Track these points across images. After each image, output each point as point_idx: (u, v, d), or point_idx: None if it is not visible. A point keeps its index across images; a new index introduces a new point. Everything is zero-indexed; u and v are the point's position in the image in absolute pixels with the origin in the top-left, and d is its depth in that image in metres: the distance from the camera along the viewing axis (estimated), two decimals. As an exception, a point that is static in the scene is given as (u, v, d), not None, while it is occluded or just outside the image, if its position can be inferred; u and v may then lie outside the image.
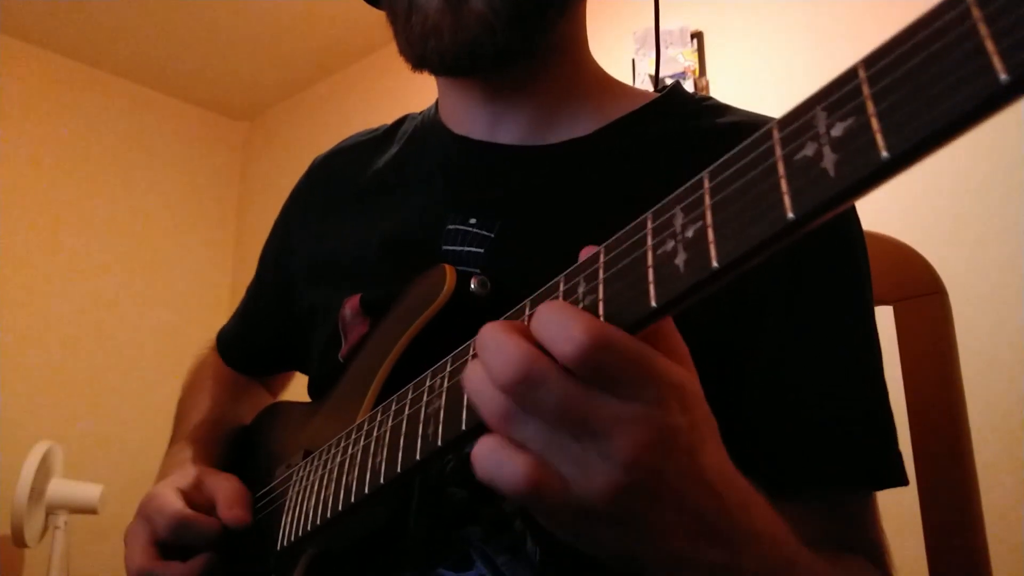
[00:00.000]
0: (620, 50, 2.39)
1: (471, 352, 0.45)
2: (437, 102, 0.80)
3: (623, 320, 0.36)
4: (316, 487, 0.60)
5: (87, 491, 2.51)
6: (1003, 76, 0.24)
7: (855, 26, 2.04)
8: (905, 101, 0.27)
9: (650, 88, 0.80)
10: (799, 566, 0.44)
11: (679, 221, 0.34)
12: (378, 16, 0.75)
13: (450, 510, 0.61)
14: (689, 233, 0.34)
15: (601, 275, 0.38)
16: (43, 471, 2.46)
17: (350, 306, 0.70)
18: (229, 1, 3.05)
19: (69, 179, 3.25)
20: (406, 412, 0.49)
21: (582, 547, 0.40)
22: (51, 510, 2.51)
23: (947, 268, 0.89)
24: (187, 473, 0.71)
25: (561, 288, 0.40)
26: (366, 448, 0.53)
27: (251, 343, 0.94)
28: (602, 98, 0.73)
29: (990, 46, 0.25)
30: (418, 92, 0.72)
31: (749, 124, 0.66)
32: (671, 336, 0.40)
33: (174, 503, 0.66)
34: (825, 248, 0.63)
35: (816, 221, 0.30)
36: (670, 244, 0.34)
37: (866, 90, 0.28)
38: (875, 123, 0.27)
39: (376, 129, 0.87)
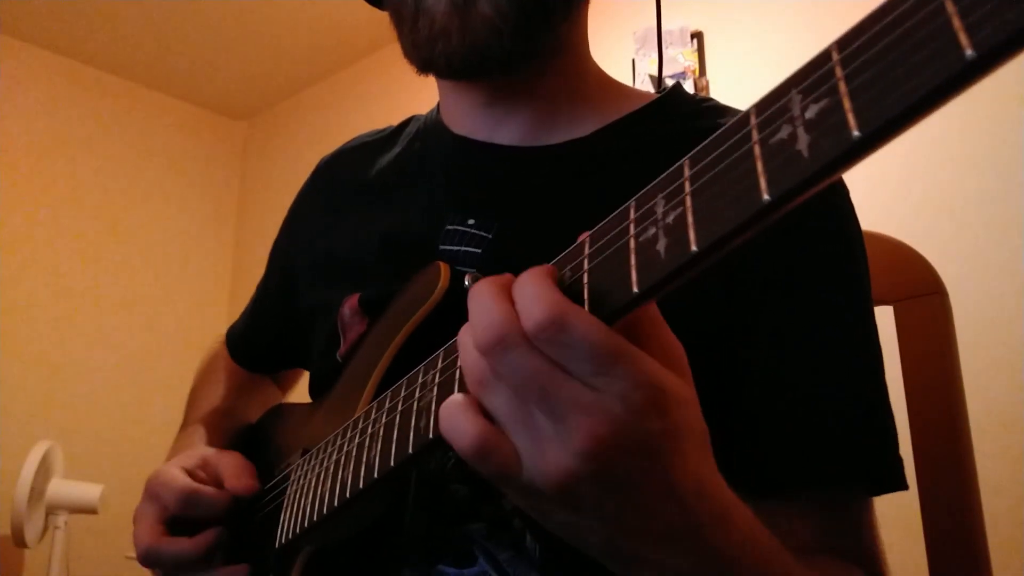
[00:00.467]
0: (620, 50, 2.39)
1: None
2: (439, 103, 0.81)
3: (607, 306, 0.36)
4: (313, 484, 0.60)
5: (87, 491, 2.51)
6: (969, 52, 0.25)
7: (855, 26, 2.03)
8: (876, 80, 0.27)
9: (651, 88, 0.80)
10: None
11: (660, 208, 0.35)
12: (378, 16, 0.75)
13: (451, 507, 0.61)
14: (670, 219, 0.34)
15: (586, 263, 0.38)
16: (43, 471, 2.47)
17: (349, 305, 0.70)
18: (229, 1, 3.05)
19: (69, 179, 3.25)
20: (399, 407, 0.50)
21: (540, 522, 0.41)
22: (51, 510, 2.51)
23: (947, 268, 0.89)
24: (192, 453, 0.72)
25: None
26: (361, 444, 0.54)
27: (257, 342, 0.95)
28: (602, 99, 0.74)
29: (956, 22, 0.25)
30: (418, 93, 0.72)
31: None
32: (662, 336, 0.39)
33: (181, 477, 0.67)
34: (824, 247, 0.63)
35: (792, 202, 0.30)
36: (651, 231, 0.35)
37: (839, 71, 0.28)
38: (847, 103, 0.28)
39: (382, 130, 0.87)
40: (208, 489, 0.67)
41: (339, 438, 0.59)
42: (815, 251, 0.63)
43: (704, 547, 0.40)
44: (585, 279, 0.38)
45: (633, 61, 2.36)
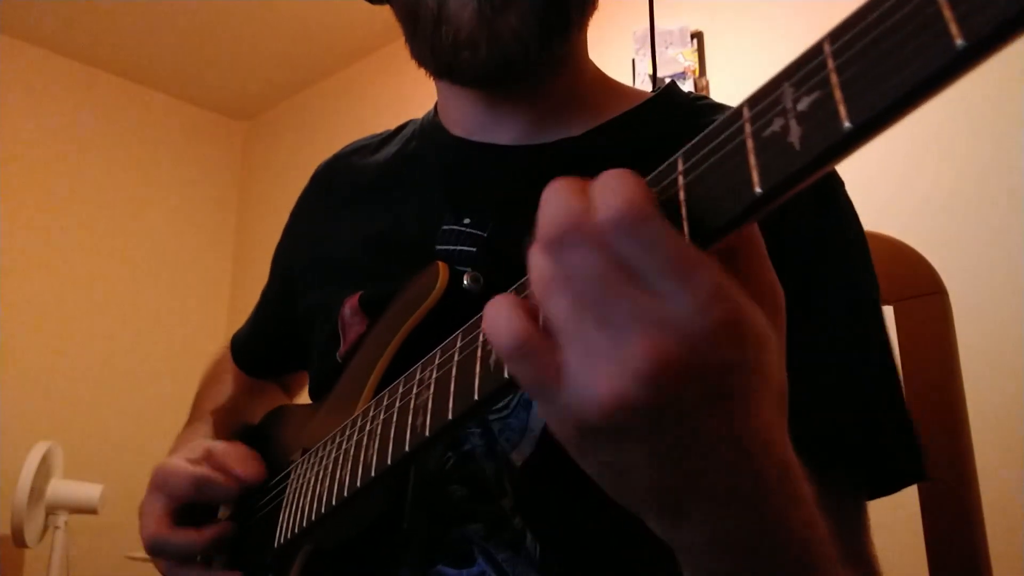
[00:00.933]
0: (620, 50, 2.39)
1: (457, 345, 0.45)
2: (436, 105, 0.81)
3: None
4: (312, 483, 0.60)
5: (87, 491, 2.51)
6: (959, 41, 0.24)
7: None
8: (867, 71, 0.27)
9: (650, 88, 0.81)
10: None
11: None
12: (378, 17, 0.75)
13: (450, 507, 0.61)
14: (665, 213, 0.34)
15: None
16: (43, 471, 2.47)
17: (349, 305, 0.71)
18: (229, 1, 3.05)
19: (69, 179, 3.25)
20: (396, 405, 0.50)
21: (578, 460, 0.36)
22: (51, 510, 2.51)
23: (947, 268, 0.89)
24: (195, 446, 0.73)
25: None
26: (359, 443, 0.54)
27: (260, 347, 0.96)
28: (599, 98, 0.74)
29: (947, 12, 0.25)
30: (418, 92, 0.73)
31: None
32: (760, 273, 0.34)
33: (187, 466, 0.68)
34: (828, 249, 0.63)
35: (785, 195, 0.30)
36: None
37: (830, 63, 0.28)
38: (838, 94, 0.28)
39: (379, 134, 0.88)
40: (217, 475, 0.68)
41: (338, 437, 0.59)
42: (817, 251, 0.63)
43: (765, 515, 0.35)
44: None
45: (633, 61, 2.36)
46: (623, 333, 0.31)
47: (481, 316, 0.43)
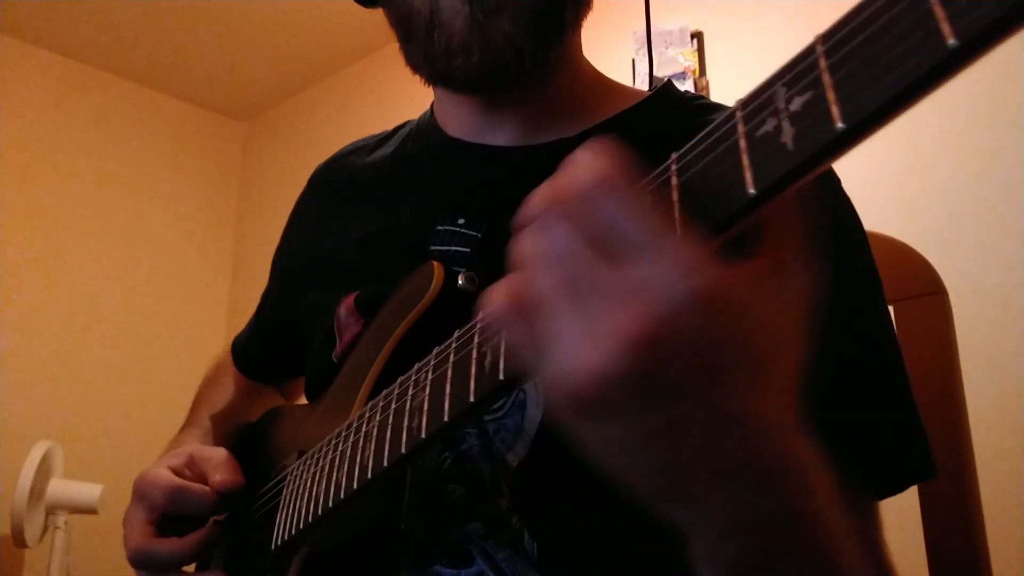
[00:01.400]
0: (620, 50, 2.39)
1: (452, 347, 0.45)
2: (433, 105, 0.81)
3: None
4: (309, 485, 0.60)
5: (87, 491, 2.51)
6: (951, 41, 0.24)
7: (855, 26, 2.03)
8: (859, 72, 0.27)
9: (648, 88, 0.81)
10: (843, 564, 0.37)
11: (648, 203, 0.34)
12: (378, 17, 0.75)
13: (448, 507, 0.61)
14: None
15: None
16: (43, 471, 2.46)
17: (345, 306, 0.71)
18: (229, 1, 3.05)
19: (69, 179, 3.25)
20: (392, 407, 0.50)
21: (580, 445, 0.35)
22: (51, 510, 2.51)
23: (947, 268, 0.89)
24: (178, 452, 0.72)
25: None
26: (355, 444, 0.54)
27: (260, 351, 0.96)
28: (595, 98, 0.74)
29: (939, 12, 0.25)
30: (418, 92, 0.73)
31: None
32: (785, 250, 0.33)
33: (167, 475, 0.68)
34: (837, 250, 0.63)
35: (778, 195, 0.30)
36: None
37: (822, 63, 0.28)
38: (830, 95, 0.28)
39: (376, 135, 0.88)
40: (194, 485, 0.67)
41: (334, 439, 0.59)
42: (823, 250, 0.63)
43: (770, 501, 0.34)
44: None
45: (633, 61, 2.36)
46: (600, 305, 0.31)
47: (477, 319, 0.43)
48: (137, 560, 0.68)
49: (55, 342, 3.08)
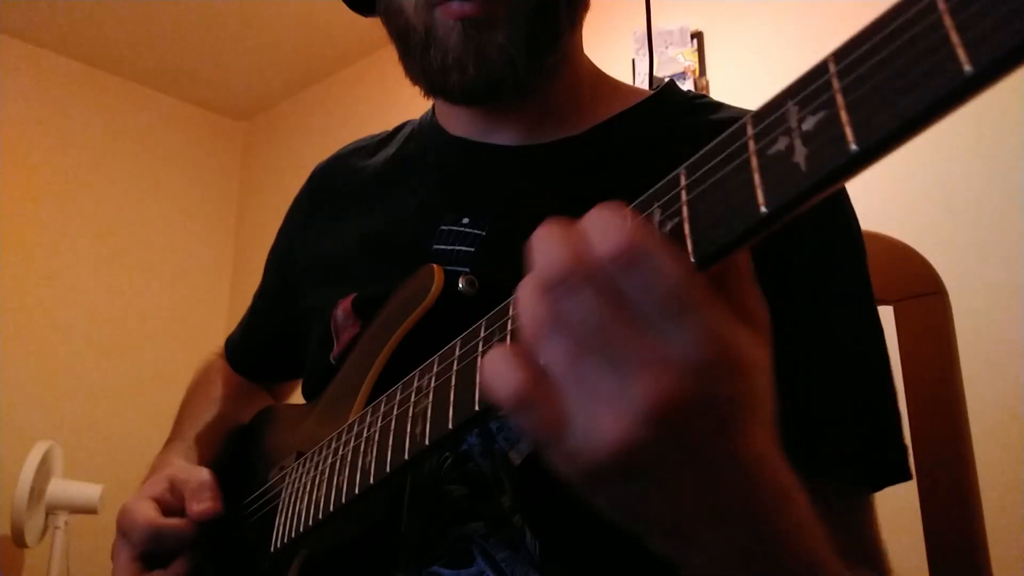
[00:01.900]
0: (620, 50, 2.39)
1: (456, 353, 0.45)
2: (434, 106, 0.81)
3: None
4: (308, 488, 0.60)
5: (87, 491, 2.51)
6: (967, 68, 0.24)
7: (855, 26, 2.03)
8: (873, 94, 0.27)
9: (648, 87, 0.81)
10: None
11: (657, 217, 0.34)
12: (378, 18, 0.75)
13: (448, 507, 0.61)
14: (667, 229, 0.34)
15: None
16: (43, 471, 2.46)
17: (342, 307, 0.71)
18: (229, 1, 3.05)
19: (69, 179, 3.25)
20: (394, 412, 0.50)
21: (587, 496, 0.36)
22: (51, 510, 2.51)
23: (947, 268, 0.89)
24: (159, 479, 0.72)
25: None
26: (356, 449, 0.53)
27: (257, 349, 0.95)
28: (596, 97, 0.74)
29: (955, 37, 0.25)
30: (419, 93, 0.73)
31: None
32: (747, 293, 0.35)
33: (145, 514, 0.67)
34: (826, 244, 0.64)
35: (789, 215, 0.30)
36: None
37: (836, 84, 0.28)
38: (844, 116, 0.28)
39: (376, 135, 0.88)
40: (171, 522, 0.67)
41: (334, 442, 0.59)
42: (819, 246, 0.63)
43: (763, 528, 0.37)
44: None
45: (633, 61, 2.36)
46: (625, 374, 0.31)
47: (479, 323, 0.43)
48: None
49: (55, 342, 3.08)
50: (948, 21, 0.25)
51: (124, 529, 0.69)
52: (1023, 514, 1.58)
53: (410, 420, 0.47)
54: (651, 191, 0.36)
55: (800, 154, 0.29)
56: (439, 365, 0.46)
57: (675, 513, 0.35)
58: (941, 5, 0.25)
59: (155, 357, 3.29)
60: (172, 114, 3.61)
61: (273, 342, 0.91)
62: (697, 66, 2.31)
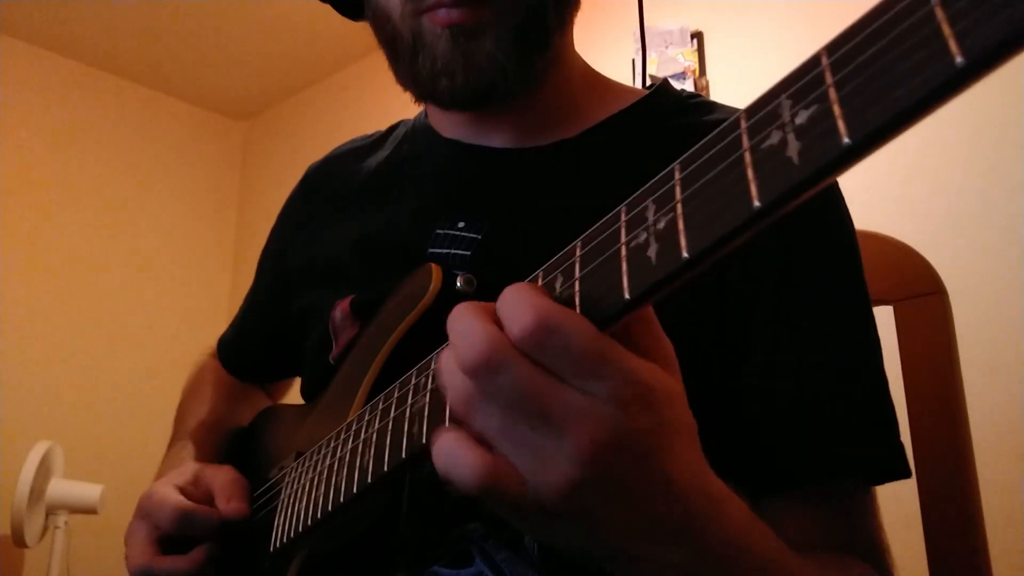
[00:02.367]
0: (620, 50, 2.39)
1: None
2: (427, 107, 0.81)
3: (599, 312, 0.36)
4: (307, 488, 0.60)
5: (87, 491, 2.51)
6: (959, 59, 0.24)
7: (855, 26, 2.03)
8: (866, 87, 0.27)
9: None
10: (777, 572, 0.44)
11: (651, 213, 0.35)
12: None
13: (447, 507, 0.61)
14: (661, 225, 0.34)
15: (577, 269, 0.38)
16: (43, 471, 2.46)
17: (340, 309, 0.70)
18: (229, 1, 3.05)
19: (69, 179, 3.25)
20: (392, 411, 0.50)
21: (540, 538, 0.40)
22: (51, 510, 2.50)
23: (947, 268, 0.89)
24: (185, 470, 0.71)
25: (540, 282, 0.40)
26: (354, 448, 0.53)
27: (250, 350, 0.95)
28: (591, 98, 0.74)
29: (946, 29, 0.24)
30: (416, 93, 0.74)
31: None
32: (651, 334, 0.39)
33: (174, 496, 0.67)
34: (818, 239, 0.64)
35: (783, 209, 0.30)
36: (643, 236, 0.35)
37: (828, 77, 0.28)
38: (837, 109, 0.28)
39: (370, 135, 0.88)
40: (201, 508, 0.66)
41: (333, 442, 0.59)
42: (809, 244, 0.63)
43: (702, 540, 0.39)
44: (577, 286, 0.37)
45: (633, 61, 2.36)
46: (557, 429, 0.35)
47: None
48: None
49: (55, 342, 3.08)
50: (940, 13, 0.25)
51: (148, 510, 0.68)
52: (1023, 514, 1.58)
53: (407, 419, 0.47)
54: (645, 187, 0.36)
55: (793, 148, 0.29)
56: (436, 364, 0.46)
57: (624, 538, 0.39)
58: None
59: (155, 357, 3.29)
60: (172, 114, 3.61)
61: (266, 342, 0.91)
62: (697, 66, 2.31)
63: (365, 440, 0.52)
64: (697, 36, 2.34)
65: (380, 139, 0.85)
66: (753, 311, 0.62)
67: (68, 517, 2.53)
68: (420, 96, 0.70)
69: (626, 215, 0.36)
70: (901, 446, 0.62)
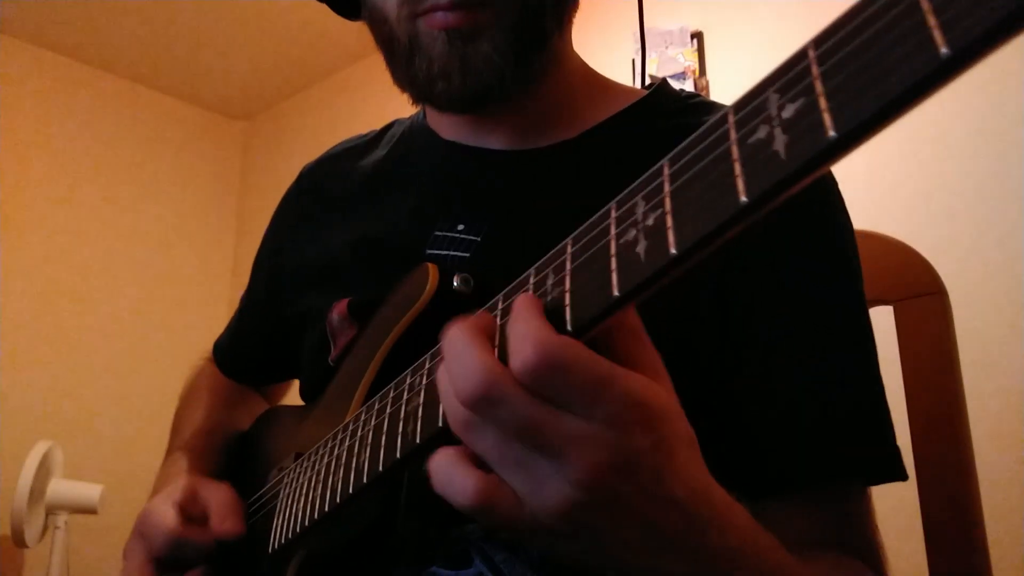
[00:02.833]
0: (621, 50, 2.39)
1: None
2: (425, 108, 0.80)
3: (588, 311, 0.36)
4: (305, 489, 0.60)
5: (87, 491, 2.51)
6: (944, 50, 0.24)
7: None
8: (852, 80, 0.27)
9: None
10: None
11: (640, 209, 0.34)
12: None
13: (445, 508, 0.61)
14: (650, 221, 0.34)
15: (568, 266, 0.38)
16: (43, 471, 2.46)
17: (338, 311, 0.70)
18: (229, 2, 3.05)
19: (69, 179, 3.25)
20: (387, 411, 0.50)
21: (537, 550, 0.41)
22: (51, 510, 2.50)
23: (947, 268, 0.89)
24: (181, 485, 0.71)
25: (531, 280, 0.40)
26: (350, 448, 0.54)
27: (246, 352, 0.94)
28: (590, 98, 0.74)
29: (931, 20, 0.24)
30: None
31: None
32: (640, 345, 0.39)
33: (169, 520, 0.67)
34: (814, 240, 0.64)
35: (771, 203, 0.30)
36: (632, 233, 0.34)
37: (815, 70, 0.28)
38: (823, 103, 0.27)
39: (364, 135, 0.87)
40: (194, 534, 0.66)
41: (330, 442, 0.59)
42: (807, 247, 0.63)
43: (703, 549, 0.40)
44: (567, 284, 0.37)
45: (633, 61, 2.36)
46: (556, 455, 0.35)
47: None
48: None
49: (55, 342, 3.08)
50: (925, 4, 0.24)
51: (143, 531, 0.68)
52: (1023, 514, 1.58)
53: (402, 419, 0.47)
54: (635, 183, 0.36)
55: (780, 142, 0.29)
56: (430, 363, 0.46)
57: (625, 553, 0.39)
58: None
59: (155, 357, 3.29)
60: (172, 114, 3.61)
61: (263, 344, 0.91)
62: (697, 66, 2.31)
63: (361, 440, 0.52)
64: (697, 36, 2.34)
65: (375, 139, 0.85)
66: (751, 314, 0.62)
67: (68, 517, 2.53)
68: (417, 98, 0.70)
69: (616, 212, 0.36)
70: (895, 449, 0.62)
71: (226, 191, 3.73)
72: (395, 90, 0.71)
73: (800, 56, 0.29)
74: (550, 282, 0.38)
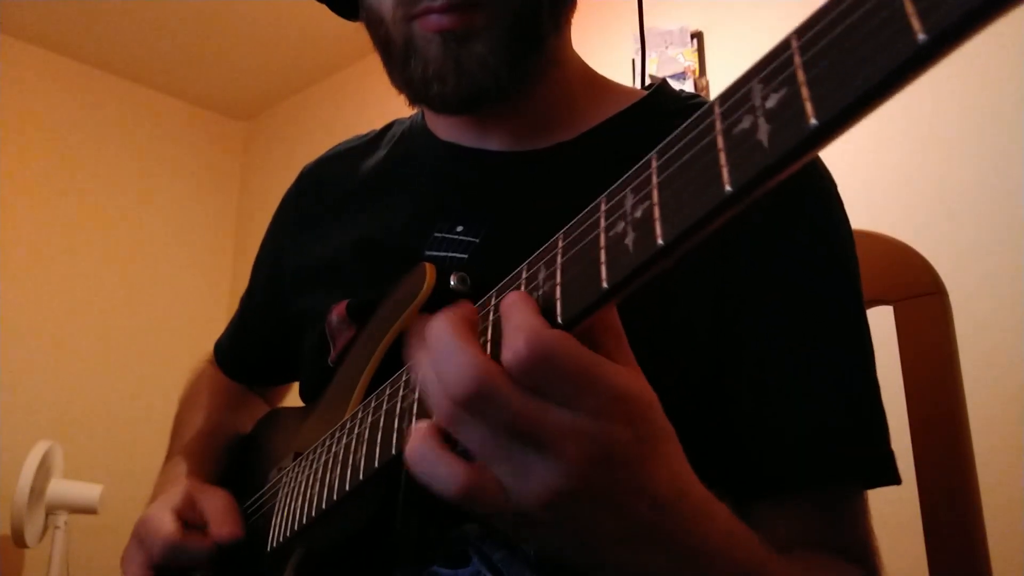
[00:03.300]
0: (621, 50, 2.39)
1: None
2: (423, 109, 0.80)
3: (579, 303, 0.36)
4: (303, 487, 0.60)
5: (87, 491, 2.51)
6: (921, 36, 0.24)
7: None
8: (832, 68, 0.27)
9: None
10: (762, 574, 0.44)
11: (629, 202, 0.35)
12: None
13: (444, 506, 0.61)
14: (638, 213, 0.34)
15: (559, 260, 0.38)
16: (43, 471, 2.46)
17: (337, 312, 0.70)
18: (229, 2, 3.05)
19: (69, 179, 3.25)
20: (383, 408, 0.50)
21: (520, 542, 0.41)
22: (51, 510, 2.51)
23: (947, 268, 0.89)
24: (179, 491, 0.71)
25: (524, 276, 0.41)
26: (347, 446, 0.54)
27: (247, 352, 0.94)
28: (589, 99, 0.74)
29: (909, 6, 0.24)
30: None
31: None
32: (620, 343, 0.39)
33: (167, 526, 0.67)
34: (810, 241, 0.64)
35: (755, 193, 0.30)
36: (620, 225, 0.35)
37: (797, 59, 0.28)
38: (805, 92, 0.28)
39: (364, 135, 0.87)
40: (191, 541, 0.67)
41: (327, 441, 0.59)
42: (805, 248, 0.63)
43: (683, 544, 0.40)
44: (559, 277, 0.38)
45: (633, 61, 2.36)
46: (542, 446, 0.36)
47: None
48: None
49: (55, 342, 3.08)
50: None
51: (142, 537, 0.69)
52: (1023, 514, 1.58)
53: (396, 416, 0.47)
54: (625, 176, 0.36)
55: (763, 132, 0.29)
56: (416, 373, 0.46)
57: (598, 545, 0.40)
58: None
59: (155, 357, 3.29)
60: (172, 114, 3.61)
61: (263, 344, 0.91)
62: (697, 66, 2.31)
63: (358, 437, 0.52)
64: (697, 36, 2.34)
65: (375, 139, 0.85)
66: (746, 315, 0.62)
67: (68, 517, 2.53)
68: (413, 100, 0.70)
69: (606, 205, 0.37)
70: (889, 453, 0.62)
71: (226, 191, 3.73)
72: (395, 90, 0.72)
73: (783, 46, 0.29)
74: (542, 276, 0.39)
